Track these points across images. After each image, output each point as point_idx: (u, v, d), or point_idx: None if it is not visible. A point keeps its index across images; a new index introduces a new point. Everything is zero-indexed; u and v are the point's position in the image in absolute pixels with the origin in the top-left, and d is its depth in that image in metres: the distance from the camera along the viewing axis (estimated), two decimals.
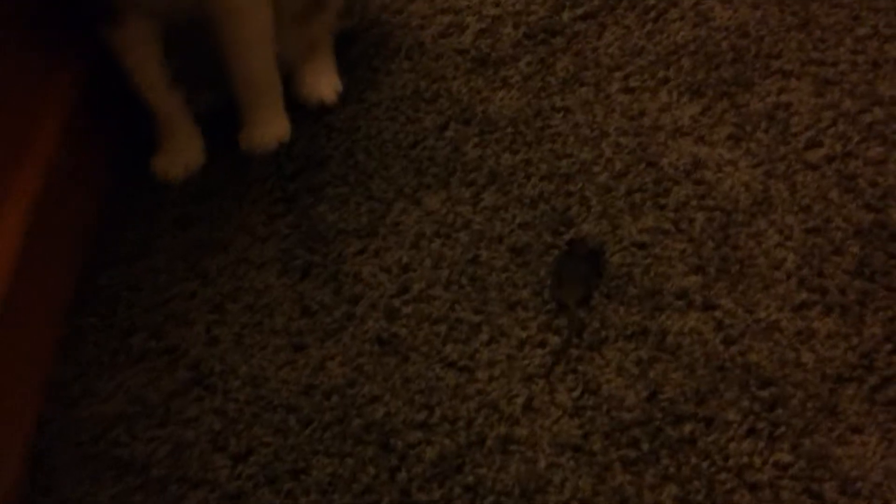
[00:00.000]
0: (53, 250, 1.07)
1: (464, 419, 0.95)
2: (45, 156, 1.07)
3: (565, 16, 1.35)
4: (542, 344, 1.00)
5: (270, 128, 1.24)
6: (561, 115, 1.22)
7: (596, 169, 1.15)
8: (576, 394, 0.95)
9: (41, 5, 1.13)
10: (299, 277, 1.10)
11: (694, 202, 1.10)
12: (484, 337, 1.01)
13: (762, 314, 0.99)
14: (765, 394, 0.93)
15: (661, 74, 1.25)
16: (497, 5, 1.38)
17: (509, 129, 1.21)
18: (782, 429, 0.90)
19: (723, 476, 0.88)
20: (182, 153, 1.23)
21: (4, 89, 1.04)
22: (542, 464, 0.91)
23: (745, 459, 0.89)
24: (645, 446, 0.91)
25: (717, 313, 1.00)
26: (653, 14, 1.33)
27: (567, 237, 1.09)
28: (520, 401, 0.95)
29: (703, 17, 1.31)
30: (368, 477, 0.92)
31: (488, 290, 1.05)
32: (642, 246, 1.07)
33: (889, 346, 0.94)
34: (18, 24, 1.08)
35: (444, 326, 1.03)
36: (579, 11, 1.35)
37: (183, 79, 1.22)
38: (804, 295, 1.00)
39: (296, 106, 1.27)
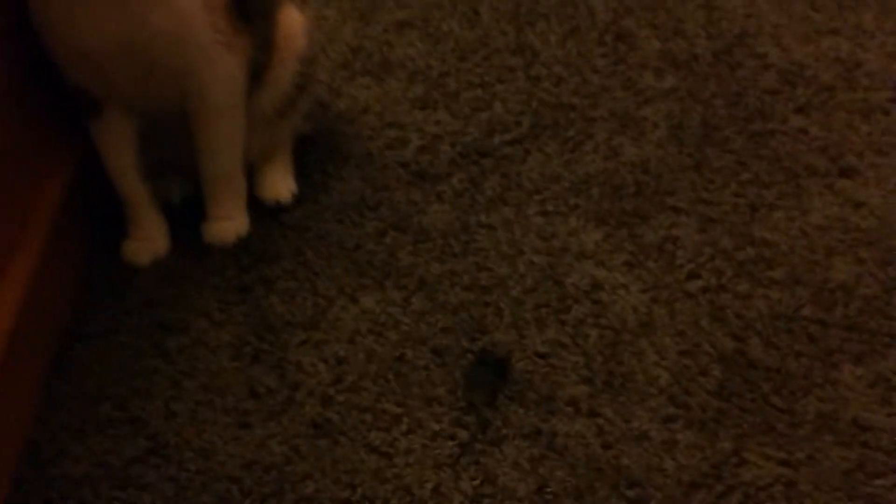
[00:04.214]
0: (41, 324, 1.24)
1: (381, 499, 1.13)
2: (38, 241, 1.24)
3: (496, 139, 1.55)
4: (453, 437, 1.18)
5: (231, 223, 1.42)
6: (485, 231, 1.42)
7: (510, 283, 1.35)
8: (476, 482, 1.14)
9: (40, 106, 1.30)
10: (249, 362, 1.27)
11: (590, 320, 1.30)
12: (403, 427, 1.19)
13: (636, 424, 1.18)
14: (631, 494, 1.12)
15: (572, 201, 1.45)
16: (437, 123, 1.57)
17: (439, 241, 1.40)
18: None
19: None
20: (149, 240, 1.40)
21: (6, 185, 1.20)
22: None
23: None
24: None
25: (600, 420, 1.19)
26: (570, 144, 1.53)
27: (481, 343, 1.28)
28: (429, 486, 1.14)
29: (613, 151, 1.52)
30: None
31: (410, 385, 1.24)
32: (543, 356, 1.26)
33: (735, 460, 1.15)
34: (18, 127, 1.25)
35: (370, 415, 1.21)
36: (507, 137, 1.55)
37: (156, 170, 1.39)
38: (671, 409, 1.20)
39: (254, 202, 1.45)
